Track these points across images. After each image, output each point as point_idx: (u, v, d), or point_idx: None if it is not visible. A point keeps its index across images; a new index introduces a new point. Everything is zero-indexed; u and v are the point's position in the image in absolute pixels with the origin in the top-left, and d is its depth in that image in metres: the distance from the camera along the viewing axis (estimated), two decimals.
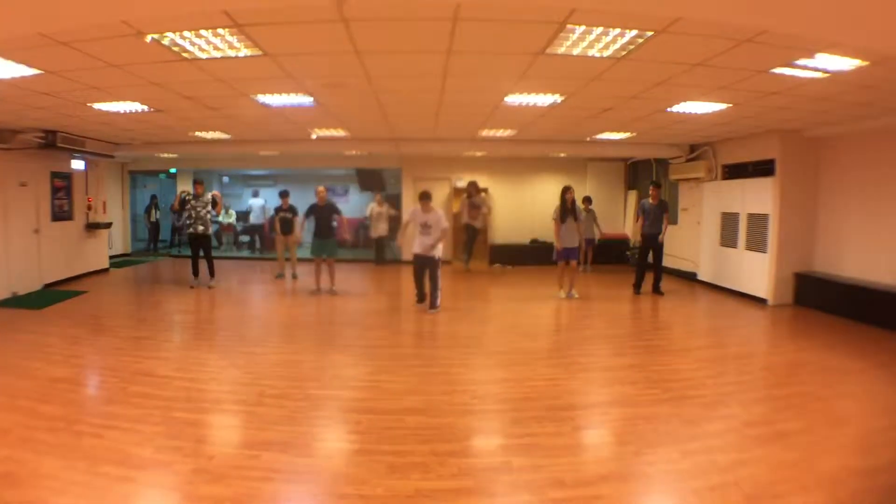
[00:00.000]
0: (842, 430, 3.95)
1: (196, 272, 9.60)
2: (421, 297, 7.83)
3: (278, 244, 10.71)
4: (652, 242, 8.97)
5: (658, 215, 8.91)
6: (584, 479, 3.27)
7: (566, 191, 8.63)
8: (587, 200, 11.79)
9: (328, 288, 9.08)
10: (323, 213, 8.89)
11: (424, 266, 7.63)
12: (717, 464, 3.42)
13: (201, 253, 9.56)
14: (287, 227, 10.20)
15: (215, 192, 10.62)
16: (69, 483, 3.10)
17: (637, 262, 9.39)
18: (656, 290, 9.07)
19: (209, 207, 9.31)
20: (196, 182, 9.33)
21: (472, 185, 12.11)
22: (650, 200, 8.95)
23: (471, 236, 12.07)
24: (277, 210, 10.32)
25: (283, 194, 10.21)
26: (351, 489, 3.09)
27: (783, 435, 3.85)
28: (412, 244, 7.85)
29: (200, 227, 9.18)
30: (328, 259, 9.03)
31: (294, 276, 10.54)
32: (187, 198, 9.24)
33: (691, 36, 3.83)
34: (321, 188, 8.99)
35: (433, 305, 7.52)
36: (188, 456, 3.47)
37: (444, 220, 7.52)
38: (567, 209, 8.50)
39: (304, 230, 9.71)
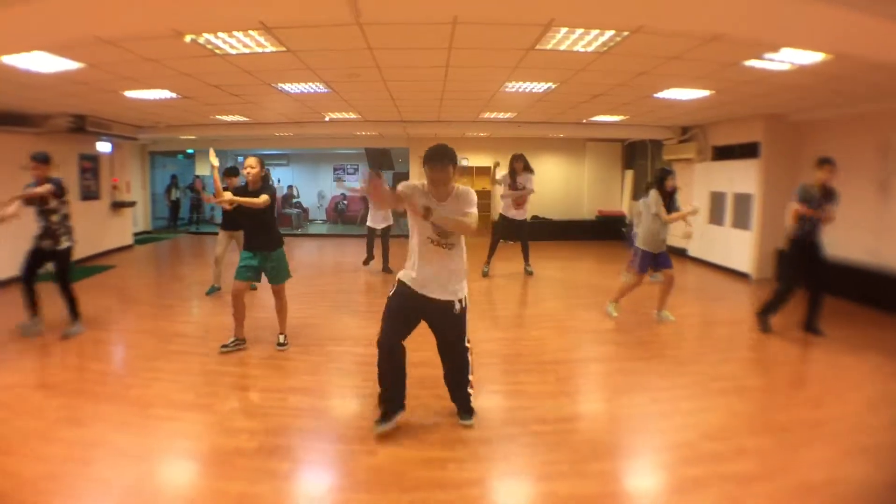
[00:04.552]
0: (799, 388, 4.39)
1: (33, 305, 5.51)
2: (393, 404, 3.53)
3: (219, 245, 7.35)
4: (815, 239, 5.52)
5: (823, 208, 5.39)
6: (563, 417, 3.82)
7: (666, 177, 5.83)
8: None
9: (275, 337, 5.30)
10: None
11: (413, 320, 3.52)
12: (680, 409, 3.93)
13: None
14: (229, 220, 6.98)
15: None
16: (124, 423, 3.61)
17: (789, 278, 5.77)
18: (812, 326, 5.69)
19: (64, 211, 5.47)
20: (34, 161, 5.26)
21: (518, 160, 8.22)
22: (816, 185, 5.39)
23: (503, 232, 8.79)
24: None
25: (231, 172, 7.04)
26: (366, 423, 3.64)
27: (744, 389, 4.32)
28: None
29: (46, 242, 5.42)
30: (276, 288, 5.13)
31: (214, 289, 7.41)
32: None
33: (662, 36, 4.23)
34: (251, 160, 4.97)
35: (467, 412, 3.67)
36: (225, 399, 4.04)
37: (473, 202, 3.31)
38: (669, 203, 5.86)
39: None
